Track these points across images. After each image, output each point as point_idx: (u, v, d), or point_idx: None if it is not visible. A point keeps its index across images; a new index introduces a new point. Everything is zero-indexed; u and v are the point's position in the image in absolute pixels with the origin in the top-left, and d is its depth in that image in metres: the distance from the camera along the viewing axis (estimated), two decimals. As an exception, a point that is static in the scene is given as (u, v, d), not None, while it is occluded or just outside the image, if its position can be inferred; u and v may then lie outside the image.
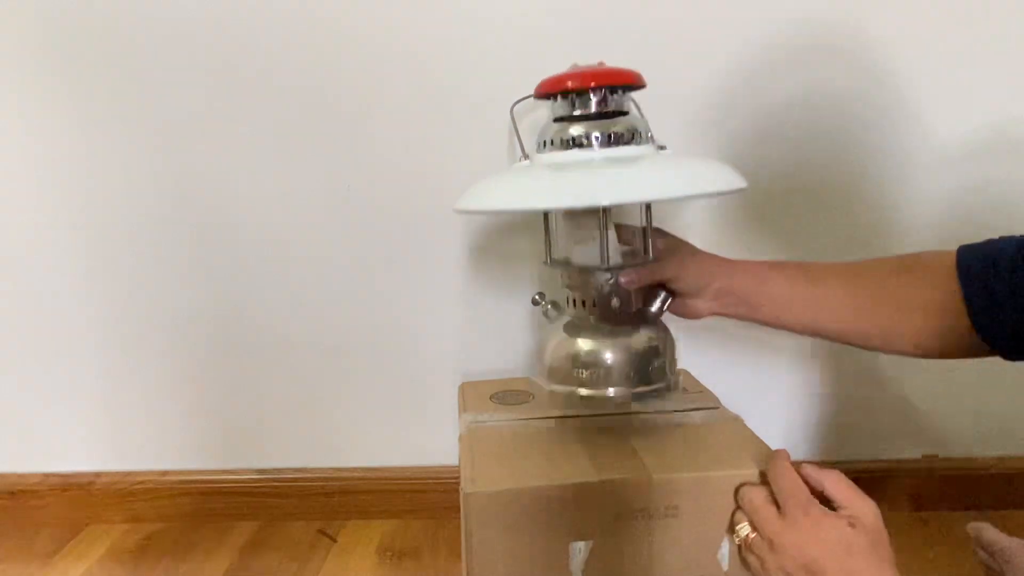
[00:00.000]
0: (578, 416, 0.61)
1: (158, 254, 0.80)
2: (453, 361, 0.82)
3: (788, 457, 0.49)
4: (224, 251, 0.80)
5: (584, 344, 0.53)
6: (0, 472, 0.88)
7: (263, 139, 0.76)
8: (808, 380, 0.82)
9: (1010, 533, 0.51)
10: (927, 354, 0.53)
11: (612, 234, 0.53)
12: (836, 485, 0.46)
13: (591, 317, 0.54)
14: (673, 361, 0.55)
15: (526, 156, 0.54)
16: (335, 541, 0.83)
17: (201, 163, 0.77)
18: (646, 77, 0.51)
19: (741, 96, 0.73)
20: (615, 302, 0.52)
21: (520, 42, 0.72)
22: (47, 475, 0.87)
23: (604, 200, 0.45)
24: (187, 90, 0.75)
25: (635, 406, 0.63)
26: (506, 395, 0.67)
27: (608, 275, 0.52)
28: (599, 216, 0.52)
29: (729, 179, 0.47)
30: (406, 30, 0.73)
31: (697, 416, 0.61)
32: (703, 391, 0.67)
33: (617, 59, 0.51)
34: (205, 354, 0.83)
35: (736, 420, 0.59)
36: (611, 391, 0.52)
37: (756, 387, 0.81)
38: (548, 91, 0.51)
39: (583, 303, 0.54)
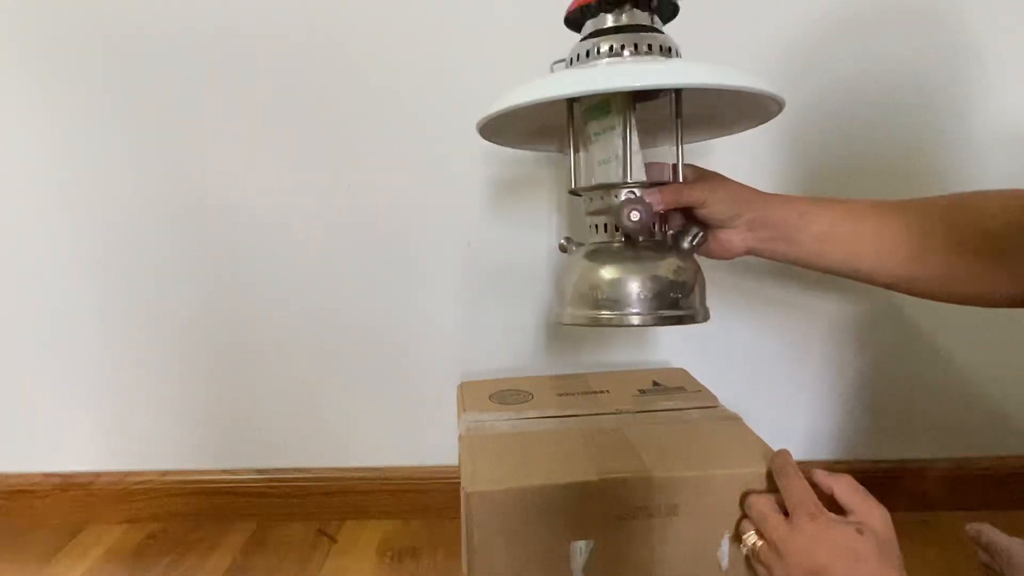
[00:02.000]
0: (578, 415, 0.61)
1: (158, 254, 0.80)
2: (453, 361, 0.82)
3: (792, 459, 0.49)
4: (224, 251, 0.80)
5: (607, 268, 0.50)
6: (0, 472, 0.88)
7: (263, 139, 0.76)
8: (809, 380, 0.82)
9: (1010, 533, 0.51)
10: (986, 302, 0.49)
11: (636, 145, 0.49)
12: (846, 490, 0.46)
13: (615, 243, 0.51)
14: (703, 294, 0.52)
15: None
16: (335, 541, 0.83)
17: (201, 164, 0.77)
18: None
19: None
20: (635, 215, 0.47)
21: (531, 38, 0.71)
22: (47, 475, 0.87)
23: (630, 82, 0.43)
24: (188, 92, 0.75)
25: (635, 405, 0.63)
26: (505, 395, 0.67)
27: (632, 192, 0.49)
28: (623, 125, 0.49)
29: (767, 87, 0.44)
30: (407, 27, 0.73)
31: (696, 415, 0.61)
32: (701, 390, 0.67)
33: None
34: (205, 354, 0.83)
35: (735, 419, 0.59)
36: (635, 318, 0.48)
37: (756, 387, 0.82)
38: (582, 3, 0.49)
39: (605, 227, 0.51)
